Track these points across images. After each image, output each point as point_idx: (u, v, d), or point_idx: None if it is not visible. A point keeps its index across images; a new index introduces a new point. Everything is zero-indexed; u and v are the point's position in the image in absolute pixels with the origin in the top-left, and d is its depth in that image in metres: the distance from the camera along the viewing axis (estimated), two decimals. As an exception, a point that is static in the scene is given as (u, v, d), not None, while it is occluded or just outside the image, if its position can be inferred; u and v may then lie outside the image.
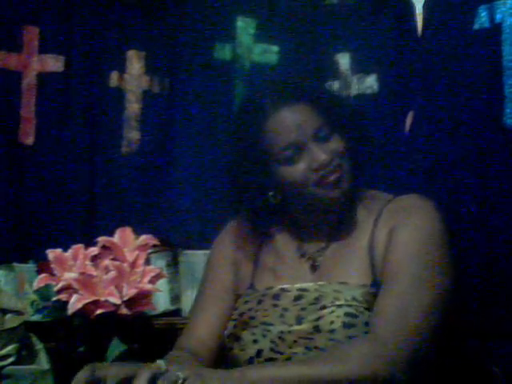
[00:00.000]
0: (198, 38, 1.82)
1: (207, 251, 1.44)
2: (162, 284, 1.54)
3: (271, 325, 1.26)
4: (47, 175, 1.82)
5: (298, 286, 1.28)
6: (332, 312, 1.22)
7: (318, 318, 1.23)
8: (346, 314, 1.21)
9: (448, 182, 1.57)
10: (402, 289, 1.19)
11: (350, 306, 1.21)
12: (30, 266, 1.65)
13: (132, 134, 1.83)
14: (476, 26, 1.53)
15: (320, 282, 1.27)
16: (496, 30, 1.49)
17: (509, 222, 1.49)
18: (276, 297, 1.29)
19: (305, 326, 1.23)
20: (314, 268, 1.32)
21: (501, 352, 1.40)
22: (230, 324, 1.31)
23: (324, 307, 1.23)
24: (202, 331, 1.33)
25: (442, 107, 1.59)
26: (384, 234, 1.26)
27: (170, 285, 1.72)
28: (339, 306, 1.22)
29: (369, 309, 1.21)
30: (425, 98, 1.64)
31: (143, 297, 1.37)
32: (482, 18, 1.52)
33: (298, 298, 1.27)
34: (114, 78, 1.84)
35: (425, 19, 1.65)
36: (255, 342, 1.25)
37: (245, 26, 1.82)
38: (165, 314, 1.71)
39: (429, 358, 1.17)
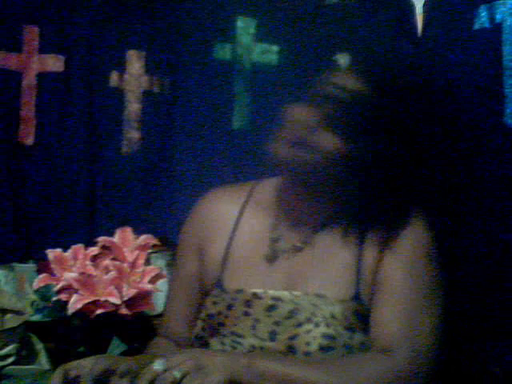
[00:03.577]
0: (198, 38, 1.82)
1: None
2: (162, 284, 1.54)
3: (242, 337, 1.20)
4: (47, 175, 1.82)
5: (271, 292, 1.21)
6: (308, 332, 1.16)
7: (293, 337, 1.17)
8: (324, 336, 1.15)
9: (447, 182, 1.56)
10: (409, 306, 1.15)
11: (327, 325, 1.16)
12: (30, 266, 1.65)
13: (132, 134, 1.83)
14: (476, 26, 1.52)
15: (295, 292, 1.21)
16: (496, 30, 1.49)
17: (509, 222, 1.49)
18: (247, 303, 1.22)
19: (278, 345, 1.17)
20: (286, 272, 1.24)
21: (501, 352, 1.40)
22: (198, 323, 1.27)
23: (300, 324, 1.17)
24: (178, 323, 1.32)
25: (442, 107, 1.59)
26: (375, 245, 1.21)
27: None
28: (316, 324, 1.16)
29: (348, 328, 1.16)
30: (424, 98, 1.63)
31: (143, 297, 1.37)
32: (482, 18, 1.52)
33: (271, 308, 1.20)
34: (113, 78, 1.83)
35: (425, 19, 1.65)
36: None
37: (245, 26, 1.82)
38: (165, 314, 1.71)
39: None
